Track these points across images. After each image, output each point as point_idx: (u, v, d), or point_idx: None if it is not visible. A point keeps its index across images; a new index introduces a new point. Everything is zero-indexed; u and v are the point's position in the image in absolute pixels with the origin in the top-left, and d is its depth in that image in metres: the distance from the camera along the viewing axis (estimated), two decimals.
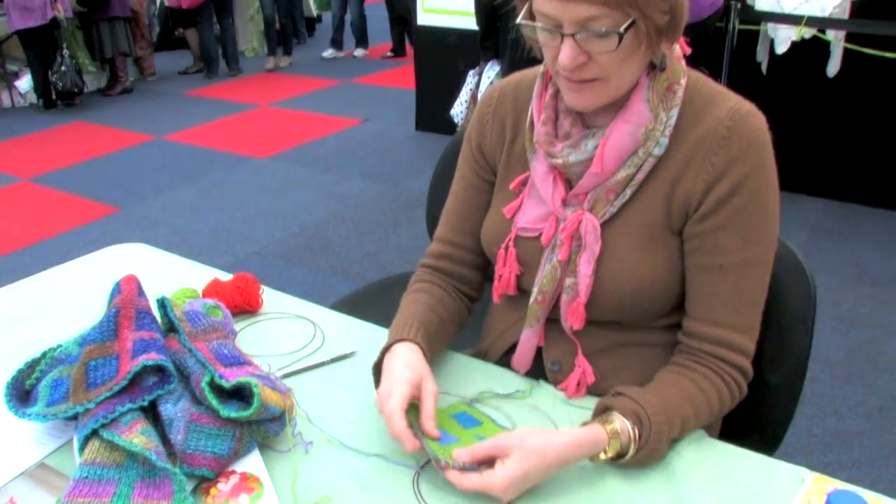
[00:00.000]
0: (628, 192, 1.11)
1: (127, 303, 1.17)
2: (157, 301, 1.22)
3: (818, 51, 4.03)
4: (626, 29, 0.97)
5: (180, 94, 7.72)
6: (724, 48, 4.10)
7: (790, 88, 4.28)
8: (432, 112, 5.78)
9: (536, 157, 1.18)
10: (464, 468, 0.99)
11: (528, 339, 1.24)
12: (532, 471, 0.97)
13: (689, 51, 1.14)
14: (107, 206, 4.76)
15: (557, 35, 1.01)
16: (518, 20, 1.05)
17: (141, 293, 1.20)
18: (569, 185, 1.16)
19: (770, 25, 4.04)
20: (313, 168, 5.30)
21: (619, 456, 1.02)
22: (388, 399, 1.06)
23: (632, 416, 1.03)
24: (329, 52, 9.27)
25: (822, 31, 3.93)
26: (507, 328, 1.30)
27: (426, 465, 1.06)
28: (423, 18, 5.67)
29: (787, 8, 3.86)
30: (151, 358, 1.08)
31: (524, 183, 1.22)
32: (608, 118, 1.10)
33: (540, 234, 1.18)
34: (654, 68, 1.09)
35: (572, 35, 1.00)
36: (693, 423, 1.08)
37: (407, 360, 1.12)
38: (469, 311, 1.37)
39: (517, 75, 1.28)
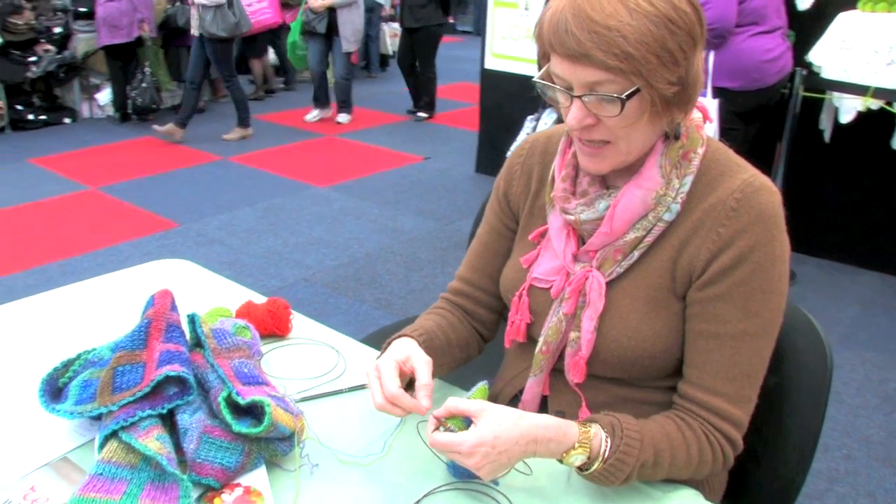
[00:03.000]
0: (636, 253, 1.14)
1: (159, 315, 1.24)
2: (188, 317, 1.28)
3: (884, 123, 3.98)
4: (629, 96, 1.01)
5: (250, 118, 7.94)
6: (786, 114, 4.08)
7: (852, 159, 4.23)
8: (493, 155, 5.85)
9: (553, 211, 1.23)
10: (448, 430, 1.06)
11: (533, 388, 1.27)
12: (501, 437, 1.02)
13: (712, 120, 1.18)
14: (166, 221, 4.93)
15: (569, 96, 1.06)
16: (535, 78, 1.11)
17: (173, 307, 1.27)
18: (581, 241, 1.20)
19: (836, 94, 4.02)
20: (370, 201, 5.41)
21: (588, 467, 1.05)
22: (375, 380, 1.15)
23: (608, 427, 1.06)
24: (314, 114, 7.89)
25: (890, 104, 3.88)
26: (517, 374, 1.34)
27: (423, 500, 1.09)
28: (491, 63, 5.77)
29: (855, 78, 3.83)
30: (174, 369, 1.14)
31: (543, 235, 1.26)
32: (625, 180, 1.14)
33: (551, 287, 1.22)
34: (677, 136, 1.12)
35: (580, 97, 1.04)
36: (667, 460, 1.08)
37: (397, 347, 1.21)
38: (479, 348, 1.42)
39: (550, 129, 1.33)
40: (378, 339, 1.68)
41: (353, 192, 5.59)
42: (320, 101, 7.81)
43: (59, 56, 7.23)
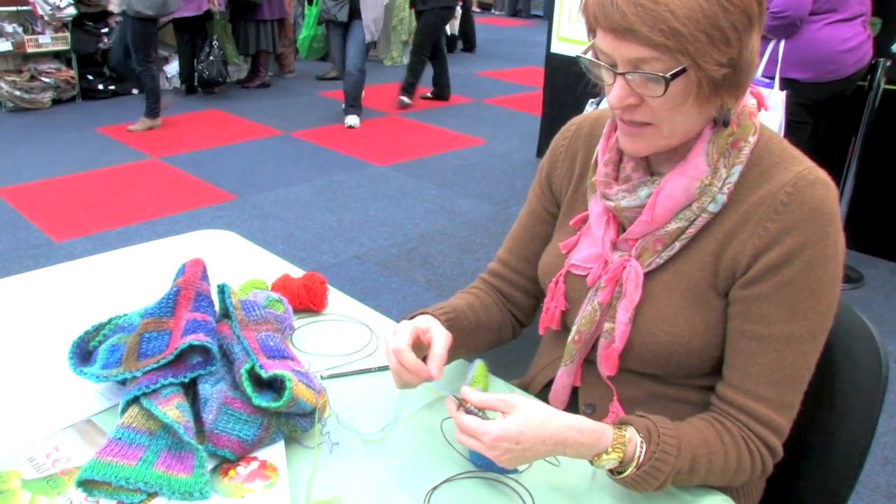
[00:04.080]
0: (677, 244, 1.08)
1: (189, 284, 1.22)
2: (218, 287, 1.27)
3: None
4: (674, 76, 0.95)
5: (314, 94, 7.99)
6: (864, 108, 3.89)
7: None
8: None
9: (594, 196, 1.18)
10: (469, 411, 1.03)
11: (563, 378, 1.23)
12: (527, 434, 0.97)
13: (767, 108, 1.11)
14: (224, 193, 4.99)
15: (612, 74, 1.00)
16: (579, 54, 1.05)
17: (204, 277, 1.26)
18: (622, 228, 1.15)
19: None
20: (428, 181, 5.38)
21: (621, 471, 1.00)
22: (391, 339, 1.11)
23: (644, 431, 1.01)
24: (354, 120, 6.80)
25: None
26: (549, 363, 1.30)
27: (441, 486, 1.06)
28: (556, 46, 5.68)
29: None
30: (198, 338, 1.13)
31: (584, 221, 1.21)
32: (671, 167, 1.08)
33: (588, 274, 1.17)
34: (726, 123, 1.06)
35: (623, 74, 0.99)
36: (704, 466, 1.02)
37: (420, 319, 1.17)
38: (514, 332, 1.38)
39: (597, 112, 1.28)
40: None
41: (411, 172, 5.57)
42: (356, 104, 6.85)
43: None
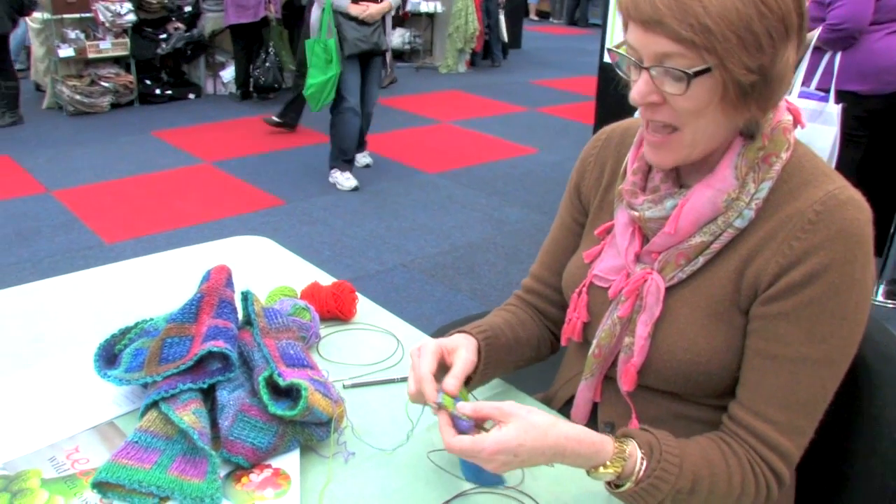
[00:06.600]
0: (701, 259, 1.05)
1: (212, 290, 1.23)
2: (242, 293, 1.27)
3: None
4: (697, 74, 0.92)
5: None
6: None
7: None
8: None
9: (621, 206, 1.15)
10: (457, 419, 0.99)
11: (584, 393, 1.20)
12: (526, 445, 0.93)
13: (804, 125, 1.06)
14: (274, 198, 5.05)
15: (638, 69, 0.98)
16: (609, 46, 1.03)
17: (228, 283, 1.26)
18: (646, 241, 1.12)
19: None
20: (478, 190, 5.37)
21: (619, 485, 0.97)
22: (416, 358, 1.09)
23: (645, 446, 0.97)
24: (368, 159, 5.80)
25: None
26: (572, 378, 1.27)
27: (454, 500, 1.05)
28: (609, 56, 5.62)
29: None
30: (217, 345, 1.13)
31: (609, 230, 1.19)
32: (699, 179, 1.05)
33: (610, 286, 1.15)
34: (752, 136, 1.02)
35: (648, 69, 0.96)
36: (706, 488, 0.98)
37: (453, 337, 1.15)
38: (553, 347, 1.35)
39: (628, 121, 1.25)
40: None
41: (461, 180, 5.56)
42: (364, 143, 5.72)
43: (187, 34, 7.52)
